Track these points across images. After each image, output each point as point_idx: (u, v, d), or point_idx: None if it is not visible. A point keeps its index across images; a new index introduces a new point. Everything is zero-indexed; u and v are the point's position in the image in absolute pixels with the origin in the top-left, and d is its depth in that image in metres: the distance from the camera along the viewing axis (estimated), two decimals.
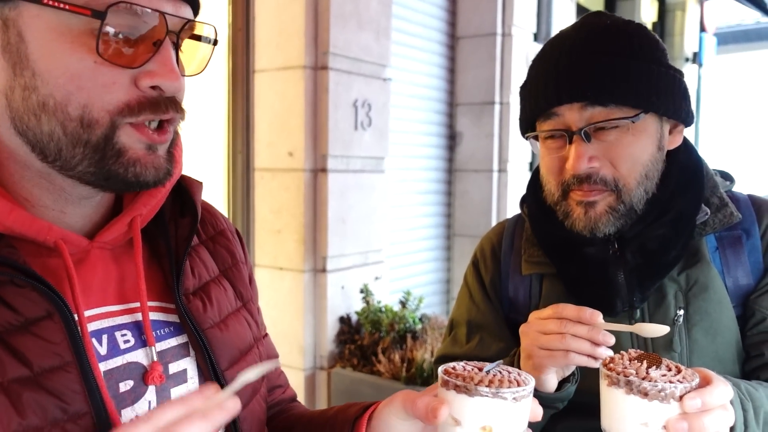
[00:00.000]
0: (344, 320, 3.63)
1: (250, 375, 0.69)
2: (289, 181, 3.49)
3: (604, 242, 1.20)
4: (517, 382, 0.77)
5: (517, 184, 5.14)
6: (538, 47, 5.24)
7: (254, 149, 3.61)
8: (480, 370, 0.80)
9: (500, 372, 0.80)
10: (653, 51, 1.17)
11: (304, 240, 3.46)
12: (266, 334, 1.10)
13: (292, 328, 3.48)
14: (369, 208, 3.77)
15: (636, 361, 0.90)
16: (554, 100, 1.14)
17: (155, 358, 0.79)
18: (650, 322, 1.18)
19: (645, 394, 0.85)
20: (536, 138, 1.24)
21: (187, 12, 0.76)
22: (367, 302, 3.67)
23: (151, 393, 0.79)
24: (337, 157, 3.52)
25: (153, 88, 0.73)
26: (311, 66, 3.42)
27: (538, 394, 1.09)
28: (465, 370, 0.80)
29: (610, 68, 1.12)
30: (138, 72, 0.71)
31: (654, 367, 0.88)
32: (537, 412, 0.81)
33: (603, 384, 0.91)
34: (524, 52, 5.10)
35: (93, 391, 0.70)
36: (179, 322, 0.85)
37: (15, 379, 0.66)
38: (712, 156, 13.30)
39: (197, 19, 0.78)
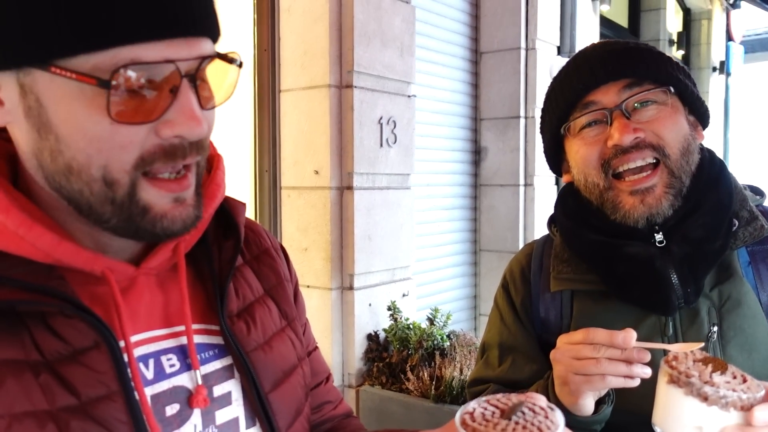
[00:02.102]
0: (372, 338, 3.62)
1: None
2: (315, 199, 3.51)
3: (646, 238, 1.19)
4: (540, 429, 0.69)
5: (544, 197, 5.11)
6: (562, 61, 5.21)
7: (281, 168, 3.64)
8: (503, 412, 0.72)
9: (524, 418, 0.71)
10: (677, 64, 1.24)
11: (331, 258, 3.47)
12: (316, 347, 1.10)
13: (320, 346, 3.45)
14: (395, 225, 3.77)
15: (701, 363, 0.87)
16: (591, 82, 1.18)
17: (200, 382, 0.79)
18: (684, 338, 1.16)
19: (705, 398, 0.83)
20: (563, 136, 1.27)
21: (203, 46, 0.72)
22: (395, 319, 3.66)
23: (196, 416, 0.79)
24: (362, 174, 3.53)
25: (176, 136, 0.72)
26: (336, 85, 3.44)
27: (575, 418, 1.08)
28: (484, 417, 0.72)
29: (642, 50, 1.20)
30: (158, 123, 0.70)
31: (719, 372, 0.86)
32: None
33: (662, 380, 0.89)
34: (548, 65, 5.08)
35: (138, 421, 0.71)
36: (224, 344, 0.86)
37: (63, 408, 0.67)
38: (741, 165, 13.09)
39: (216, 50, 0.75)
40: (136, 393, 0.72)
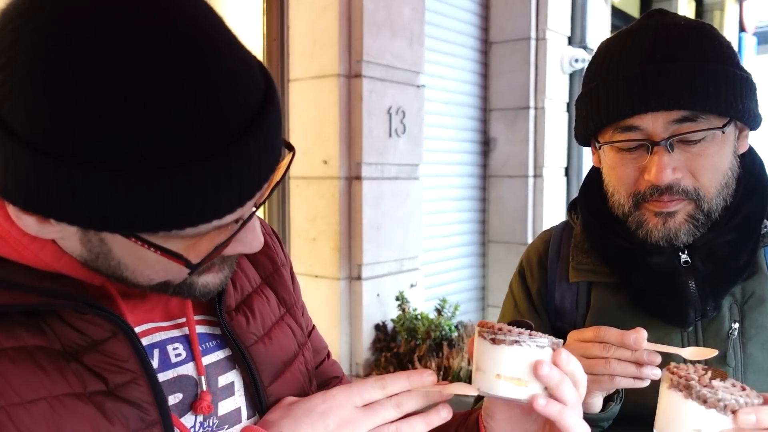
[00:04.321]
0: (380, 328, 3.62)
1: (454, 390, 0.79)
2: (324, 189, 3.51)
3: (672, 252, 1.16)
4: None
5: (553, 189, 5.09)
6: (572, 51, 5.19)
7: None
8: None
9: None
10: (732, 53, 1.11)
11: (339, 248, 3.47)
12: (313, 327, 1.10)
13: (328, 335, 3.49)
14: (404, 215, 3.76)
15: (701, 370, 0.88)
16: (641, 107, 1.05)
17: (204, 388, 0.80)
18: (704, 335, 1.15)
19: (704, 401, 0.83)
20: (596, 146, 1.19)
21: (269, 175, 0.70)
22: (403, 310, 3.66)
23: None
24: (371, 164, 3.52)
25: None
26: (345, 74, 3.43)
27: (584, 416, 1.07)
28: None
29: (701, 74, 1.04)
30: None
31: (718, 379, 0.86)
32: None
33: (663, 386, 0.89)
34: (558, 56, 5.05)
35: (161, 403, 0.72)
36: (224, 336, 0.86)
37: (95, 392, 0.69)
38: None
39: (278, 167, 0.72)
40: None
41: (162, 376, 0.77)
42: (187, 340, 0.82)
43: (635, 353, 0.98)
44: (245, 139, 0.61)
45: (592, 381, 1.00)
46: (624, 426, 1.13)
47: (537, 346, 0.77)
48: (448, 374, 3.22)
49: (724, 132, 1.06)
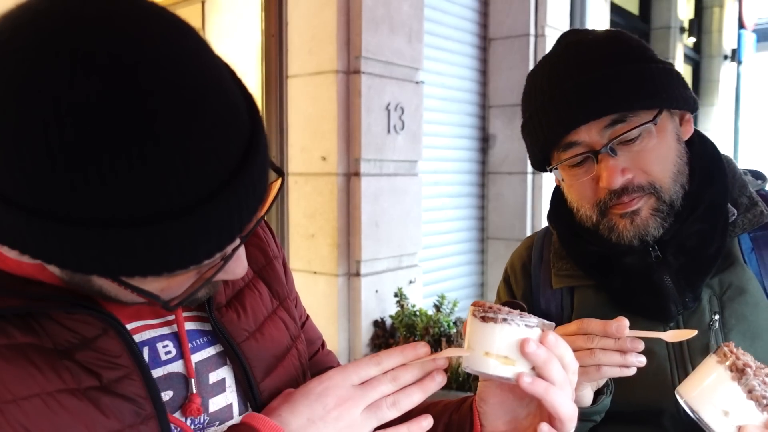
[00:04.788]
0: (378, 324, 3.62)
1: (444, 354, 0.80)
2: (322, 185, 3.51)
3: (643, 250, 1.19)
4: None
5: (552, 186, 5.07)
6: None
7: (288, 154, 3.64)
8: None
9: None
10: (644, 50, 1.17)
11: (337, 244, 3.47)
12: (307, 317, 1.10)
13: (326, 332, 3.49)
14: (402, 212, 3.76)
15: (762, 365, 0.89)
16: (572, 124, 1.12)
17: (194, 390, 0.79)
18: (685, 327, 1.16)
19: (749, 391, 0.84)
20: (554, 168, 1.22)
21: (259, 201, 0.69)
22: (402, 306, 3.66)
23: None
24: (370, 161, 3.52)
25: None
26: (344, 70, 3.43)
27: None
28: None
29: (618, 77, 1.11)
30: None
31: None
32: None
33: (712, 359, 0.90)
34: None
35: (156, 397, 0.73)
36: (215, 332, 0.86)
37: (89, 388, 0.69)
38: (752, 153, 13.02)
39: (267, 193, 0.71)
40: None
41: (153, 374, 0.76)
42: (176, 338, 0.81)
43: (618, 342, 0.99)
44: (225, 195, 0.59)
45: (581, 373, 1.01)
46: (616, 422, 1.15)
47: (526, 326, 0.78)
48: (446, 370, 3.22)
49: (656, 124, 1.11)
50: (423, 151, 3.94)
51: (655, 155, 1.13)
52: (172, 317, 0.83)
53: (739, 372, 0.85)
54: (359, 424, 0.75)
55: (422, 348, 0.80)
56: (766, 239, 1.20)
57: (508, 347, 0.77)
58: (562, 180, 1.23)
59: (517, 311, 0.79)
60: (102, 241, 0.57)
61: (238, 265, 0.72)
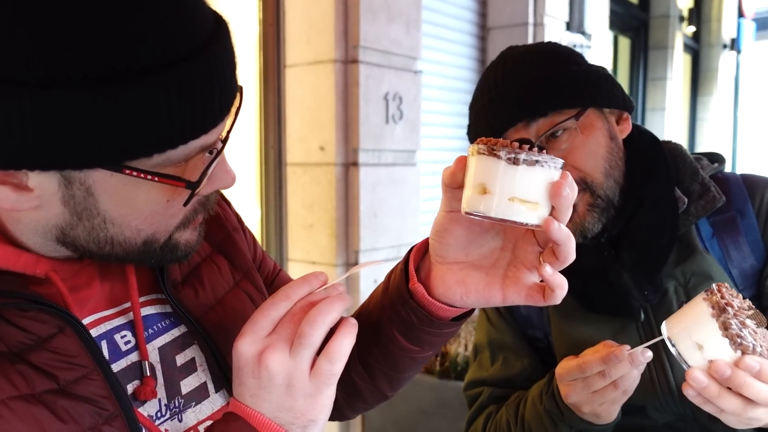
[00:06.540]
0: None
1: (358, 269, 0.78)
2: (320, 175, 3.50)
3: (597, 249, 1.22)
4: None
5: None
6: (571, 37, 5.16)
7: (286, 144, 3.63)
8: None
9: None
10: (570, 56, 1.24)
11: (336, 234, 3.47)
12: (279, 270, 1.09)
13: None
14: (401, 202, 3.76)
15: (746, 308, 0.90)
16: (498, 128, 1.18)
17: (147, 373, 0.78)
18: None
19: (725, 329, 0.85)
20: None
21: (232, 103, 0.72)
22: None
23: (160, 390, 0.79)
24: (368, 150, 3.51)
25: None
26: (342, 60, 3.42)
27: (599, 427, 1.13)
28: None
29: (537, 81, 1.18)
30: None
31: (756, 323, 0.88)
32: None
33: (699, 296, 0.93)
34: (557, 42, 5.02)
35: (119, 395, 0.71)
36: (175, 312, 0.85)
37: (45, 392, 0.67)
38: (750, 142, 13.01)
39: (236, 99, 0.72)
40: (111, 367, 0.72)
41: (115, 367, 0.75)
42: (133, 326, 0.80)
43: (632, 363, 1.01)
44: (205, 55, 0.62)
45: (612, 404, 1.07)
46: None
47: (555, 168, 0.71)
48: (445, 360, 3.22)
49: (577, 120, 1.15)
50: (421, 140, 3.93)
51: (583, 152, 1.16)
52: (128, 304, 0.81)
53: (719, 310, 0.87)
54: (294, 366, 0.71)
55: (323, 275, 0.79)
56: (725, 223, 1.22)
57: (536, 191, 0.70)
58: None
59: (535, 149, 0.71)
60: (114, 100, 0.57)
61: (227, 172, 0.74)
